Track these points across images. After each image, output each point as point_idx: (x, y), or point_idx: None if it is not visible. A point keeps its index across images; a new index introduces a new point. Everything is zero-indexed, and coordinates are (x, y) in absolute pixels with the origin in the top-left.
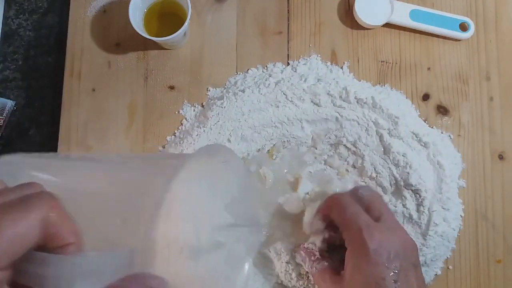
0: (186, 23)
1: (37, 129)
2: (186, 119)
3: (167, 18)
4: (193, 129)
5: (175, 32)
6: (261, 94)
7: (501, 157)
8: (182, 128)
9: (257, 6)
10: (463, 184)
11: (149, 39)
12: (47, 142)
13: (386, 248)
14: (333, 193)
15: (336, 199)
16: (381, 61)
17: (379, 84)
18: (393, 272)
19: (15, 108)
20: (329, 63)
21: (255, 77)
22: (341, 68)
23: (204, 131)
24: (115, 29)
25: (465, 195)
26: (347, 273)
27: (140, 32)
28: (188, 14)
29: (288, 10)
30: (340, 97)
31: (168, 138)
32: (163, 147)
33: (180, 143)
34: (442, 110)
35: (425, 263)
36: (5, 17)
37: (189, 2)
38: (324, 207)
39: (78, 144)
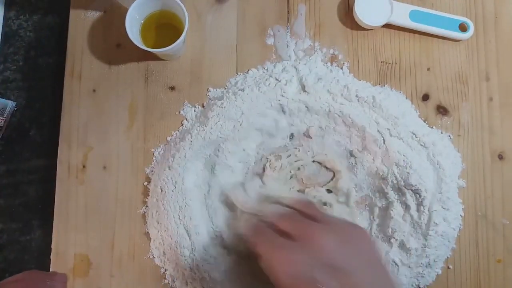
0: (183, 34)
1: (38, 130)
2: (186, 119)
3: (165, 29)
4: (193, 129)
5: (172, 43)
6: (261, 92)
7: (500, 157)
8: (182, 129)
9: (257, 6)
10: (463, 184)
11: (147, 50)
12: (48, 142)
13: (304, 269)
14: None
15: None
16: (381, 62)
17: (379, 84)
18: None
19: (15, 108)
20: (329, 64)
21: (255, 77)
22: (341, 68)
23: (204, 130)
24: (116, 29)
25: (465, 195)
26: None
27: (137, 44)
28: (185, 25)
29: (288, 11)
30: (342, 94)
31: (169, 138)
32: (165, 145)
33: (180, 143)
34: (441, 110)
35: (429, 264)
36: (5, 18)
37: (186, 13)
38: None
39: (79, 145)
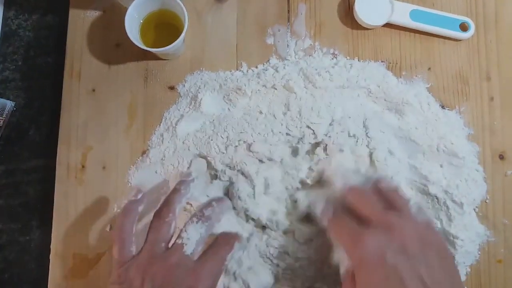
0: (183, 34)
1: (37, 130)
2: None
3: (164, 29)
4: None
5: (172, 42)
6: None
7: (501, 157)
8: None
9: (257, 6)
10: None
11: (147, 50)
12: (47, 142)
13: (376, 250)
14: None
15: (331, 222)
16: (382, 61)
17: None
18: (395, 271)
19: (14, 108)
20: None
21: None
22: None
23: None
24: (115, 29)
25: None
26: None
27: (137, 44)
28: (185, 25)
29: (288, 10)
30: (343, 86)
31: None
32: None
33: None
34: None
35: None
36: (4, 18)
37: (185, 12)
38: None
39: (78, 145)
